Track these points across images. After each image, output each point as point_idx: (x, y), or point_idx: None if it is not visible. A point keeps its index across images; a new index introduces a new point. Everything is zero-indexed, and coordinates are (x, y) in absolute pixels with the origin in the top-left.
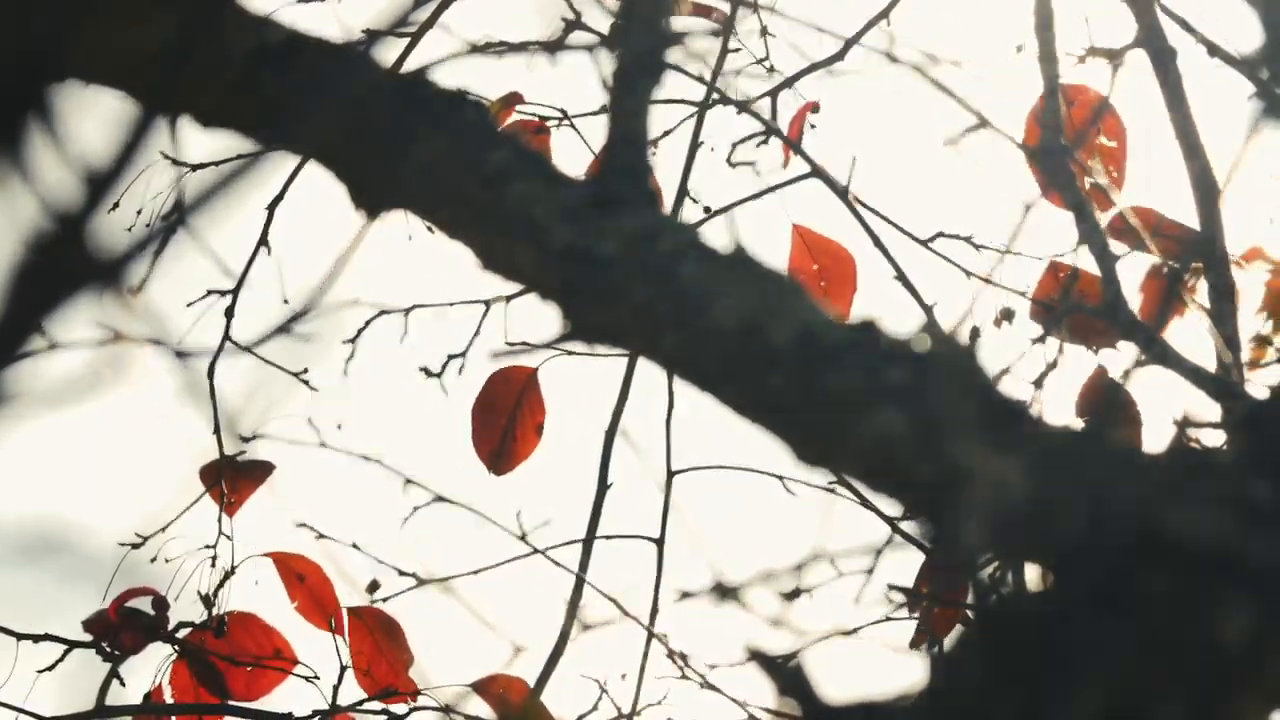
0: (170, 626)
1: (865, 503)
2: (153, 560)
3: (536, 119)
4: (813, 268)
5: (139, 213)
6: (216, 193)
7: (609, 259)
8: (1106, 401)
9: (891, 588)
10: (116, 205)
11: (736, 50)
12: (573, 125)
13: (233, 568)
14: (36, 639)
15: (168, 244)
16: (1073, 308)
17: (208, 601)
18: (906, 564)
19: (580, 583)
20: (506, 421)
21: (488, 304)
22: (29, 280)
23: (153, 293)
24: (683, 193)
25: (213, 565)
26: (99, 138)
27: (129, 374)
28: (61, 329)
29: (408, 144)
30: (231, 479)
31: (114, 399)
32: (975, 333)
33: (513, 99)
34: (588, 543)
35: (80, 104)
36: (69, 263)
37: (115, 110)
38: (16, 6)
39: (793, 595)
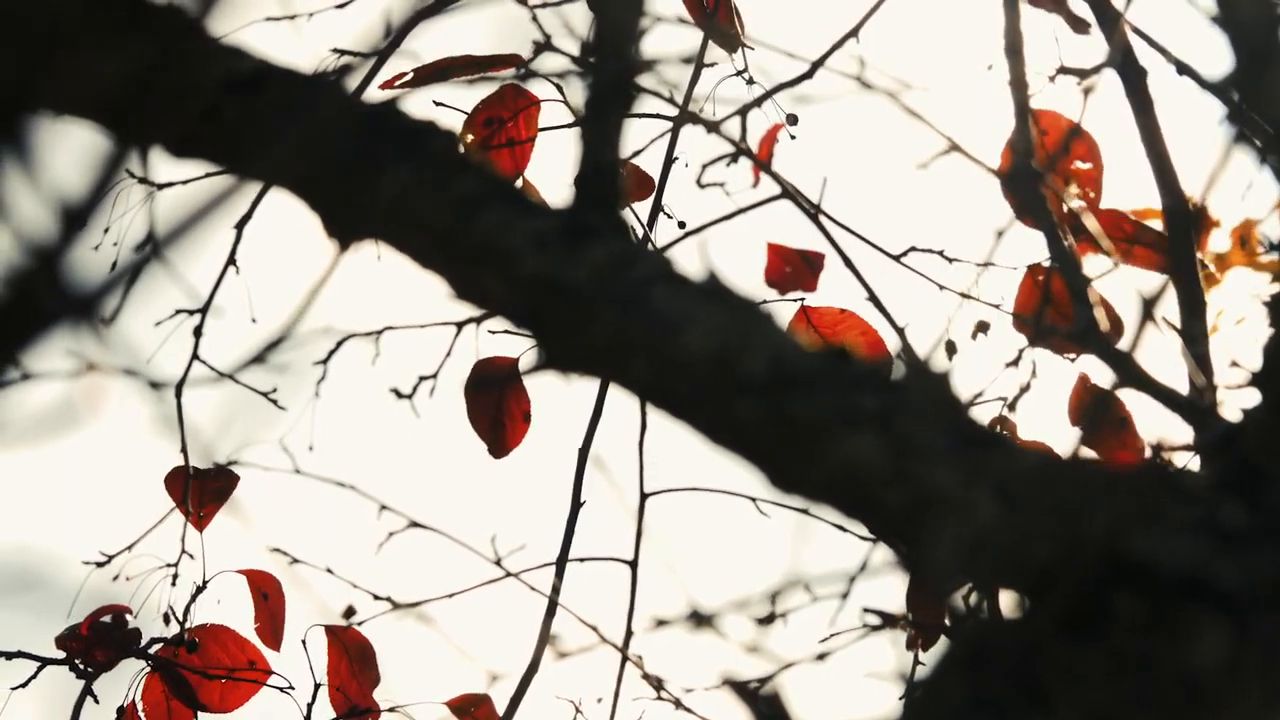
0: (143, 643)
1: (841, 524)
2: (127, 580)
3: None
4: (786, 270)
5: (106, 231)
6: (189, 224)
7: (580, 287)
8: (1096, 409)
9: (867, 610)
10: (84, 225)
11: (711, 65)
12: (567, 104)
13: (204, 583)
14: (9, 656)
15: (140, 275)
16: (1047, 330)
17: (180, 618)
18: (884, 587)
19: (553, 605)
20: (494, 410)
21: (459, 326)
22: (4, 315)
23: (125, 323)
24: (656, 209)
25: (173, 583)
26: (73, 170)
27: (103, 406)
28: (37, 362)
29: (377, 173)
30: (198, 493)
31: (89, 431)
32: (951, 347)
33: (512, 60)
34: (561, 564)
35: (54, 137)
36: (44, 297)
37: (88, 142)
38: None
39: (767, 620)
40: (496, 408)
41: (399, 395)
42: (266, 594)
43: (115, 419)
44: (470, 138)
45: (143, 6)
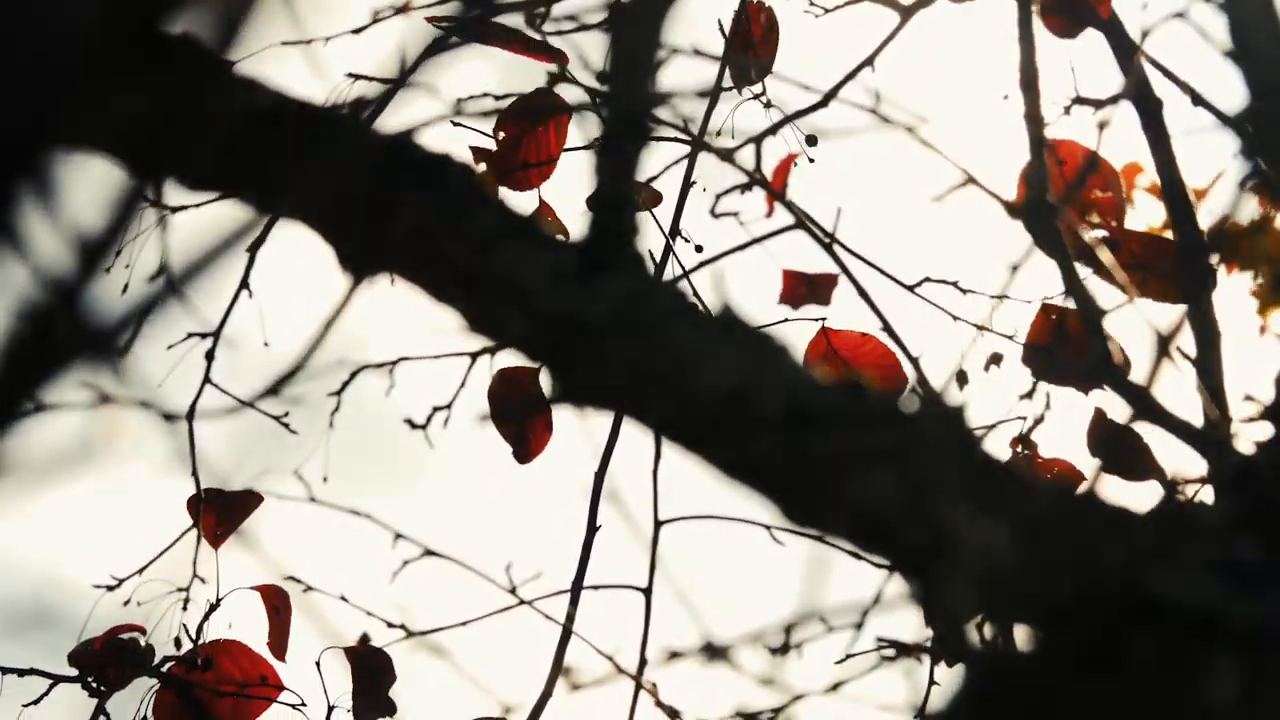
0: (155, 660)
1: (857, 553)
2: (139, 605)
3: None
4: (801, 293)
5: (127, 268)
6: (206, 259)
7: (597, 322)
8: (1112, 442)
9: (881, 640)
10: (102, 261)
11: (728, 89)
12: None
13: (217, 600)
14: (22, 673)
15: (157, 309)
16: (1061, 364)
17: (193, 636)
18: (899, 618)
19: (567, 634)
20: (518, 416)
21: (473, 357)
22: (22, 349)
23: (142, 357)
24: (674, 234)
25: (184, 607)
26: (91, 205)
27: (121, 440)
28: (54, 396)
29: (394, 207)
30: (219, 512)
31: (107, 466)
32: (963, 378)
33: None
34: (575, 592)
35: (72, 171)
36: (62, 332)
37: (106, 176)
38: (5, 75)
39: (782, 651)
40: (521, 414)
41: (413, 426)
42: (279, 607)
43: (133, 453)
44: (501, 135)
45: (161, 40)
